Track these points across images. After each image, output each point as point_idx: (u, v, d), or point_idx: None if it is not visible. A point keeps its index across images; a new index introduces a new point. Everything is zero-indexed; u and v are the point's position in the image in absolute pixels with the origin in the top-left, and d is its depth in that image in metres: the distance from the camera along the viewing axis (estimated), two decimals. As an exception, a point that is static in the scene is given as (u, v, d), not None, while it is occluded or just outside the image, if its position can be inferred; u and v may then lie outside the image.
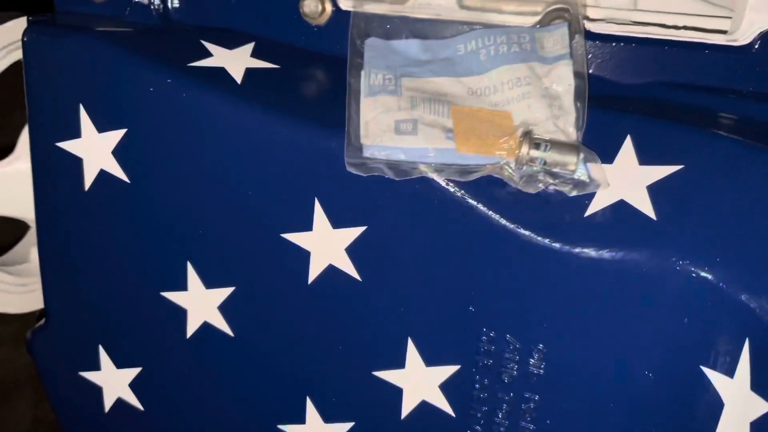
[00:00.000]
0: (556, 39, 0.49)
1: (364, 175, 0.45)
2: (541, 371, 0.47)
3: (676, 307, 0.41)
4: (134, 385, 0.59)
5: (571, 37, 0.49)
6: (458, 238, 0.47)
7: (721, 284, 0.39)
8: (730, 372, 0.38)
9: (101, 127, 0.53)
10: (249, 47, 0.54)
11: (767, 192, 0.41)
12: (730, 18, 0.52)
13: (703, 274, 0.40)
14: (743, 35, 0.50)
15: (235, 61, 0.53)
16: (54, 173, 0.55)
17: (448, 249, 0.48)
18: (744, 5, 0.50)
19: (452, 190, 0.46)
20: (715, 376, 0.40)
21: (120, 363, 0.59)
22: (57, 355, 0.62)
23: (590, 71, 0.51)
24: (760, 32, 0.49)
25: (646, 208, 0.43)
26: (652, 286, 0.42)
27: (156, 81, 0.50)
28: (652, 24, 0.54)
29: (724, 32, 0.51)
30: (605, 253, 0.43)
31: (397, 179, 0.45)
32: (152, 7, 0.57)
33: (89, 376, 0.61)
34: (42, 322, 0.62)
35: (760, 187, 0.41)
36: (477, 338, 0.48)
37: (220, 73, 0.51)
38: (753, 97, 0.49)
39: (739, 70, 0.50)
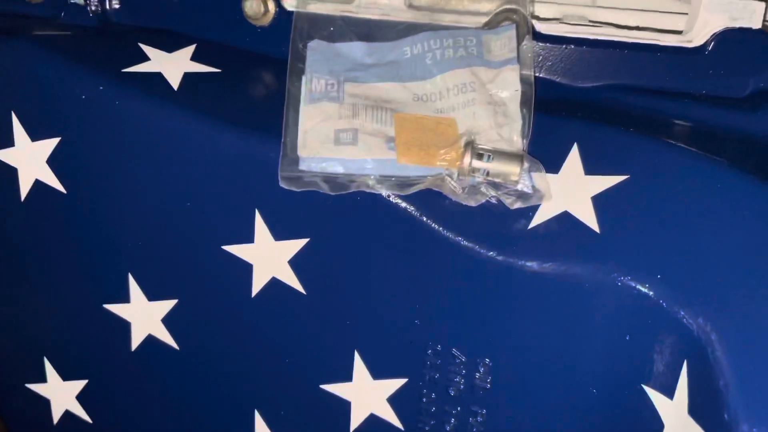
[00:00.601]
0: (503, 42, 0.48)
1: (298, 190, 0.43)
2: (488, 385, 0.46)
3: (619, 323, 0.40)
4: (81, 398, 0.58)
5: (520, 40, 0.48)
6: (402, 250, 0.46)
7: (660, 301, 0.38)
8: (670, 393, 0.38)
9: (34, 135, 0.50)
10: (189, 50, 0.52)
11: (710, 206, 0.40)
12: (687, 14, 0.51)
13: (643, 290, 0.38)
14: (697, 36, 0.48)
15: (174, 65, 0.51)
16: (-11, 183, 0.53)
17: (392, 261, 0.46)
18: (698, 5, 0.48)
19: (395, 201, 0.45)
20: (655, 396, 0.39)
21: (66, 375, 0.58)
22: (4, 367, 0.61)
23: (539, 74, 0.50)
24: (713, 33, 0.48)
25: (590, 220, 0.42)
26: (595, 301, 0.41)
27: (88, 88, 0.48)
28: (606, 23, 0.52)
29: (679, 32, 0.50)
30: (549, 267, 0.42)
31: (332, 194, 0.43)
32: (89, 9, 0.54)
33: (36, 388, 0.59)
34: (-13, 333, 0.61)
35: (702, 200, 0.40)
36: (423, 351, 0.47)
37: (156, 78, 0.49)
38: (705, 99, 0.48)
39: (693, 73, 0.49)
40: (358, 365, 0.49)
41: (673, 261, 0.38)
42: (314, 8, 0.51)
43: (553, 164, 0.44)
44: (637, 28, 0.51)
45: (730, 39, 0.47)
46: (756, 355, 0.34)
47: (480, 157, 0.43)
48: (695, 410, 0.35)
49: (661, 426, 0.38)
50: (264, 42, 0.53)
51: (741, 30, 0.47)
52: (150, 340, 0.54)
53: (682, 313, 0.36)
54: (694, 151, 0.43)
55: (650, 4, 0.57)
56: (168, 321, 0.53)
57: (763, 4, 0.47)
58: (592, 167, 0.43)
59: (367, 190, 0.43)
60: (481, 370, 0.46)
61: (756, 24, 0.47)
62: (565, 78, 0.50)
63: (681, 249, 0.39)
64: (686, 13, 0.52)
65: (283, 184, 0.43)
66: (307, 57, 0.48)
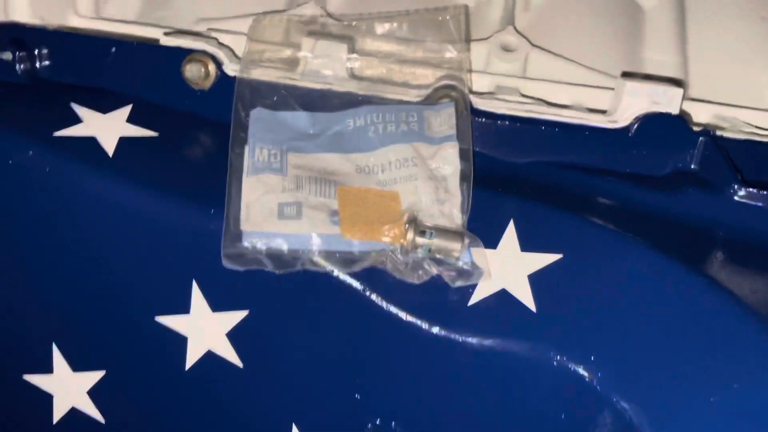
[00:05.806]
0: (443, 119, 0.49)
1: (242, 269, 0.43)
2: (428, 459, 0.46)
3: (555, 401, 0.41)
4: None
5: (458, 116, 0.49)
6: (343, 323, 0.46)
7: (594, 383, 0.39)
8: (604, 475, 0.39)
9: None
10: (125, 111, 0.51)
11: (636, 288, 0.42)
12: (613, 89, 0.54)
13: (578, 371, 0.40)
14: (621, 117, 0.51)
15: (108, 127, 0.49)
16: None
17: (333, 335, 0.46)
18: (622, 88, 0.51)
19: (336, 274, 0.45)
20: (591, 477, 0.40)
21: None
22: None
23: (476, 148, 0.51)
24: (636, 116, 0.51)
25: (527, 298, 0.43)
26: (531, 379, 0.42)
27: (16, 153, 0.46)
28: (537, 99, 0.55)
29: (604, 112, 0.53)
30: (488, 344, 0.43)
31: (277, 272, 0.43)
32: (18, 66, 0.52)
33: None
34: None
35: (629, 282, 0.42)
36: (363, 426, 0.47)
37: (90, 143, 0.48)
38: (630, 178, 0.51)
39: (618, 152, 0.51)
40: (296, 439, 0.48)
41: (605, 343, 0.40)
42: (257, 75, 0.51)
43: (491, 240, 0.46)
44: (566, 107, 0.54)
45: (651, 122, 0.51)
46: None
47: (423, 233, 0.44)
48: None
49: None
50: (204, 106, 0.52)
51: (661, 114, 0.51)
52: (73, 414, 0.51)
53: (615, 396, 0.38)
54: (620, 231, 0.45)
55: (578, 77, 0.61)
56: (94, 393, 0.50)
57: (681, 91, 0.51)
58: (527, 244, 0.45)
59: (312, 268, 0.43)
60: (421, 444, 0.46)
61: (674, 110, 0.51)
62: (500, 153, 0.52)
63: (612, 331, 0.41)
64: (612, 88, 0.55)
65: (226, 263, 0.43)
66: (249, 126, 0.48)
